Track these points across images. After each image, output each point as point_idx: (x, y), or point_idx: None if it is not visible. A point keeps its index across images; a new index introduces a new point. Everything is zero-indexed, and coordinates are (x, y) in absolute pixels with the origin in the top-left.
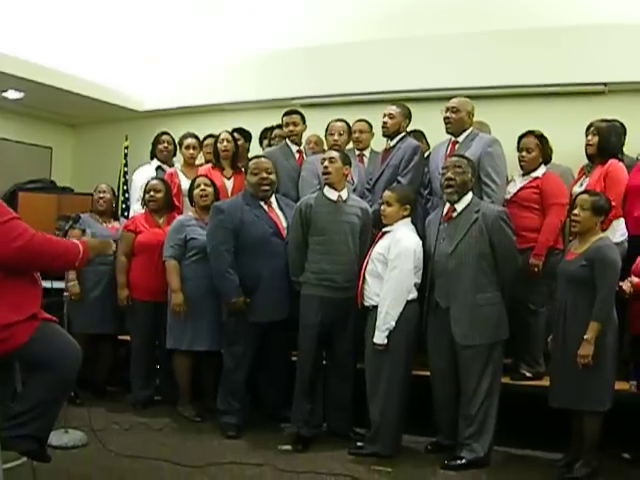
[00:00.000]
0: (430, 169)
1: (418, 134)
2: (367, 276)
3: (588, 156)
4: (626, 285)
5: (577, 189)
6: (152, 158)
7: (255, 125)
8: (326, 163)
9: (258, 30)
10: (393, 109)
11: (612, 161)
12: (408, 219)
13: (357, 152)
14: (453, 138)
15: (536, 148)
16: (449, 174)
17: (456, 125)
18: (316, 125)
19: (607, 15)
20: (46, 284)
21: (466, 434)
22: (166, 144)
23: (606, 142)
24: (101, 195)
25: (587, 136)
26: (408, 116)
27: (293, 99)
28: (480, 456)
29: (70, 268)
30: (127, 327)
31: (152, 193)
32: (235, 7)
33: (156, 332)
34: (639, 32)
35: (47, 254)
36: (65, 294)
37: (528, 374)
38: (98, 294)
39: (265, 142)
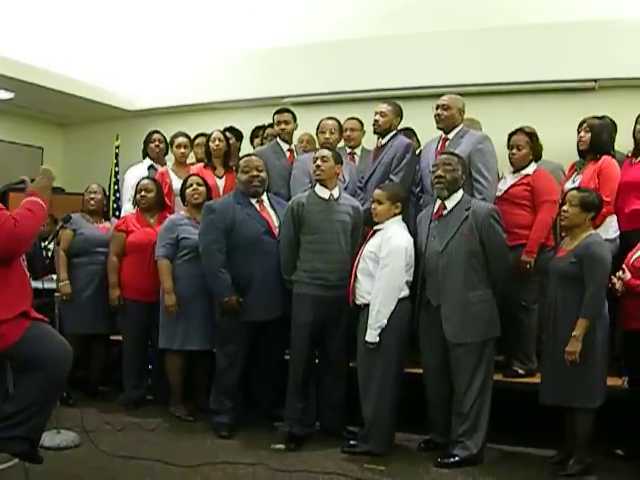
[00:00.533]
0: (421, 166)
1: (409, 132)
2: (358, 274)
3: (580, 152)
4: (618, 284)
5: (569, 185)
6: (144, 157)
7: (246, 124)
8: (318, 162)
9: (249, 29)
10: (384, 107)
11: (605, 157)
12: (399, 217)
13: (348, 150)
14: (444, 135)
15: (526, 145)
16: (439, 171)
17: (447, 122)
18: (308, 123)
19: (597, 12)
20: (37, 284)
21: (459, 432)
22: (157, 143)
23: (598, 138)
24: (92, 195)
25: (579, 132)
26: (399, 114)
27: (284, 97)
28: (473, 453)
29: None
30: (119, 327)
31: (143, 193)
32: (226, 6)
33: (148, 332)
34: (629, 29)
35: (31, 232)
36: (56, 294)
37: (520, 371)
38: (90, 294)
39: (257, 141)
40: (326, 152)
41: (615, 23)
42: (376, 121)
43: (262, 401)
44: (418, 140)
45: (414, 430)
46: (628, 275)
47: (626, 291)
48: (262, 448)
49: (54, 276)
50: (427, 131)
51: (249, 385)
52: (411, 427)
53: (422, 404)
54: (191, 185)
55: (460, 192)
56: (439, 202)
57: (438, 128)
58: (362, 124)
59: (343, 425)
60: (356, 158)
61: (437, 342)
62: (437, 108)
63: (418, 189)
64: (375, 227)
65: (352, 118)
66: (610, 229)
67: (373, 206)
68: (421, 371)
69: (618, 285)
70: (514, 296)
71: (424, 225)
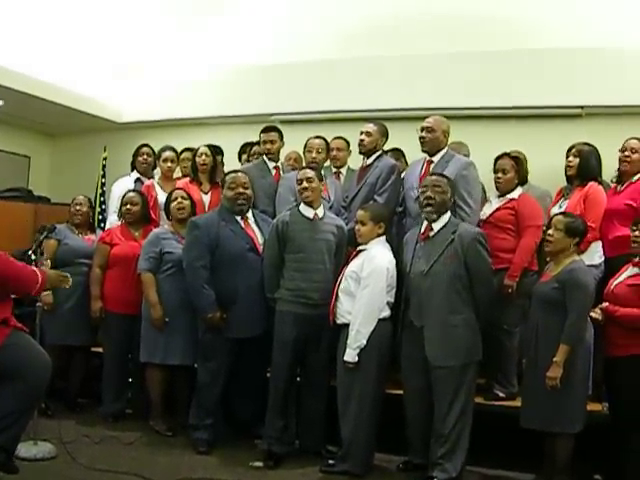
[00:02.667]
0: (404, 188)
1: (398, 152)
2: (340, 294)
3: (567, 177)
4: (596, 313)
5: (555, 210)
6: (132, 170)
7: (233, 140)
8: (305, 184)
9: (238, 46)
10: (370, 127)
11: (592, 183)
12: (383, 237)
13: (334, 169)
14: (428, 157)
15: (512, 169)
16: (428, 193)
17: (431, 144)
18: (295, 141)
19: (585, 40)
20: None
21: (439, 454)
22: (146, 156)
23: (587, 164)
24: (77, 207)
25: (568, 157)
26: (385, 134)
27: (272, 115)
28: (452, 476)
29: (26, 294)
30: (100, 339)
31: (129, 206)
32: (216, 22)
33: (129, 345)
34: (616, 57)
35: (10, 278)
36: (38, 304)
37: (501, 394)
38: (72, 305)
39: (244, 157)
40: (310, 173)
41: (602, 51)
42: (361, 141)
43: (242, 418)
44: (406, 161)
45: (393, 451)
46: (606, 303)
47: (606, 319)
48: (240, 465)
49: None
50: (415, 153)
51: (229, 401)
52: (390, 448)
53: (402, 425)
54: (176, 199)
55: (447, 214)
56: (426, 223)
57: (423, 151)
58: (348, 144)
59: (322, 444)
60: (341, 178)
61: (419, 364)
62: (421, 130)
63: (401, 209)
64: (359, 247)
65: (338, 137)
66: (595, 255)
67: (357, 227)
68: (401, 392)
69: (596, 315)
70: (496, 319)
71: (410, 245)
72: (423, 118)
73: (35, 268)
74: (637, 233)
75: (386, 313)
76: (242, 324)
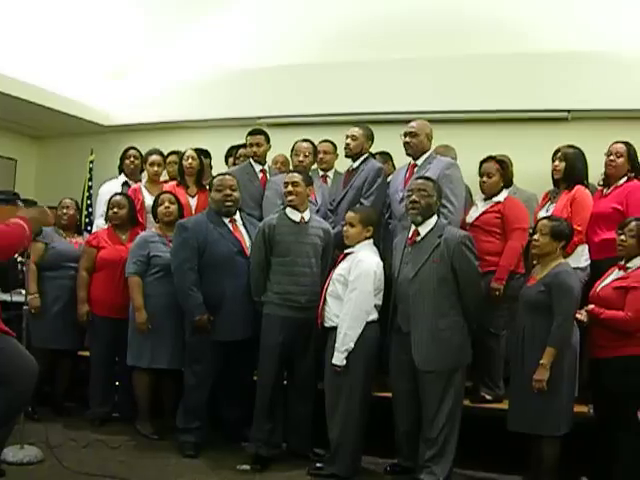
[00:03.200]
0: (390, 192)
1: (385, 156)
2: (328, 297)
3: (554, 181)
4: (582, 316)
5: (542, 214)
6: (120, 173)
7: (221, 143)
8: (290, 187)
9: (225, 48)
10: (356, 131)
11: (578, 187)
12: (370, 240)
13: (321, 173)
14: (412, 161)
15: (497, 173)
16: (414, 196)
17: (415, 148)
18: (282, 144)
19: (571, 43)
20: (5, 297)
21: (426, 457)
22: (133, 159)
23: (572, 167)
24: (64, 210)
25: (554, 161)
26: (371, 138)
27: (259, 118)
28: (440, 479)
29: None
30: (87, 343)
31: (115, 209)
32: (202, 25)
33: (116, 348)
34: (602, 61)
35: (3, 246)
36: (25, 307)
37: (488, 397)
38: (59, 309)
39: (231, 160)
40: (297, 177)
41: (588, 55)
42: (347, 145)
43: (229, 421)
44: (394, 164)
45: (381, 454)
46: (591, 306)
47: (591, 321)
48: (228, 468)
49: (23, 290)
50: (402, 156)
51: (217, 405)
52: (378, 451)
53: (389, 428)
54: (163, 203)
55: (434, 218)
56: (413, 228)
57: (407, 154)
58: (335, 147)
59: (310, 447)
60: (328, 181)
61: (407, 368)
62: (405, 135)
63: (387, 215)
64: (346, 250)
65: (325, 141)
66: (582, 258)
67: (345, 228)
68: (389, 395)
69: (581, 317)
70: (483, 322)
71: (398, 250)
72: (410, 121)
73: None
74: (623, 237)
75: (374, 316)
76: (229, 327)
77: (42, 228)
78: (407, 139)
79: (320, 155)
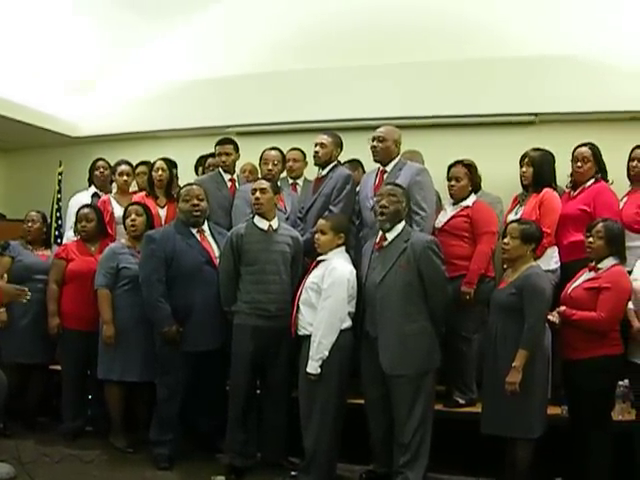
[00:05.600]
0: (359, 198)
1: (355, 163)
2: (301, 305)
3: (523, 186)
4: (553, 317)
5: (511, 217)
6: (90, 185)
7: (190, 153)
8: (257, 194)
9: (192, 58)
10: (324, 138)
11: (546, 190)
12: (342, 248)
13: (290, 181)
14: (381, 167)
15: (465, 177)
16: (383, 202)
17: (383, 154)
18: (252, 153)
19: (537, 48)
20: None
21: (400, 462)
22: (102, 170)
23: (540, 172)
24: (30, 224)
25: (521, 167)
26: (339, 145)
27: (228, 127)
28: None
29: None
30: (58, 356)
31: (84, 223)
32: (169, 35)
33: (87, 361)
34: (569, 64)
35: None
36: None
37: (461, 401)
38: (27, 322)
39: (201, 170)
40: (264, 184)
41: (555, 59)
42: (316, 152)
43: (203, 432)
44: (364, 171)
45: (356, 461)
46: (563, 307)
47: (563, 322)
48: None
49: None
50: (371, 163)
51: (190, 416)
52: (353, 458)
53: (364, 435)
54: (129, 215)
55: (402, 224)
56: (380, 233)
57: (375, 160)
58: (305, 155)
59: (284, 456)
60: (298, 189)
61: (377, 373)
62: (373, 140)
63: (358, 221)
64: (318, 258)
65: (295, 149)
66: (551, 260)
67: (317, 236)
68: (363, 401)
69: (553, 318)
70: (454, 326)
71: (367, 256)
72: (377, 128)
73: None
74: (591, 239)
75: (347, 324)
76: (199, 338)
77: (9, 242)
78: (374, 144)
79: (290, 163)
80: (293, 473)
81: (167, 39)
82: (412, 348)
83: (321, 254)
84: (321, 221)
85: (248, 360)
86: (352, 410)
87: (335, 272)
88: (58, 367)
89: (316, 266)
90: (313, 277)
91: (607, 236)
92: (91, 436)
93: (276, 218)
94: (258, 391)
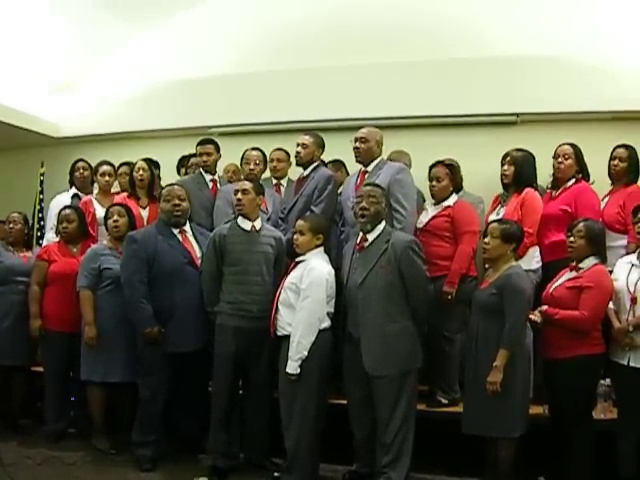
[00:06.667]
0: (342, 199)
1: (338, 163)
2: (280, 306)
3: (504, 185)
4: (535, 316)
5: (493, 218)
6: (70, 186)
7: (172, 153)
8: (239, 195)
9: (174, 58)
10: (306, 139)
11: (528, 190)
12: (321, 248)
13: (274, 181)
14: (363, 168)
15: (446, 177)
16: (363, 203)
17: (365, 155)
18: (233, 154)
19: (519, 48)
20: None
21: (383, 463)
22: (82, 171)
23: (521, 171)
24: (11, 225)
25: (503, 166)
26: (321, 145)
27: (210, 127)
28: None
29: None
30: (40, 358)
31: (65, 224)
32: (151, 35)
33: (70, 363)
34: (551, 65)
35: None
36: None
37: (444, 400)
38: (9, 324)
39: (182, 170)
40: (247, 184)
41: (536, 59)
42: (298, 153)
43: (185, 433)
44: (347, 171)
45: (339, 461)
46: (545, 306)
47: (544, 322)
48: None
49: None
50: (353, 164)
51: (172, 417)
52: (336, 458)
53: (347, 435)
54: (111, 216)
55: (382, 224)
56: (361, 234)
57: (357, 161)
58: (288, 155)
59: (267, 456)
60: (282, 189)
61: (359, 374)
62: (355, 141)
63: (340, 222)
64: (297, 259)
65: (278, 149)
66: (533, 260)
67: (295, 237)
68: (345, 402)
69: (535, 317)
70: (436, 326)
71: (347, 257)
72: (360, 128)
73: None
74: (572, 239)
75: (326, 324)
76: (181, 338)
77: None
78: (357, 144)
79: (274, 163)
80: (276, 474)
81: (149, 39)
82: (394, 348)
83: (300, 255)
84: (300, 222)
85: (230, 361)
86: (335, 410)
87: (313, 272)
88: (40, 369)
89: (295, 267)
90: (292, 278)
91: (588, 236)
92: (74, 438)
93: (259, 219)
94: (241, 392)
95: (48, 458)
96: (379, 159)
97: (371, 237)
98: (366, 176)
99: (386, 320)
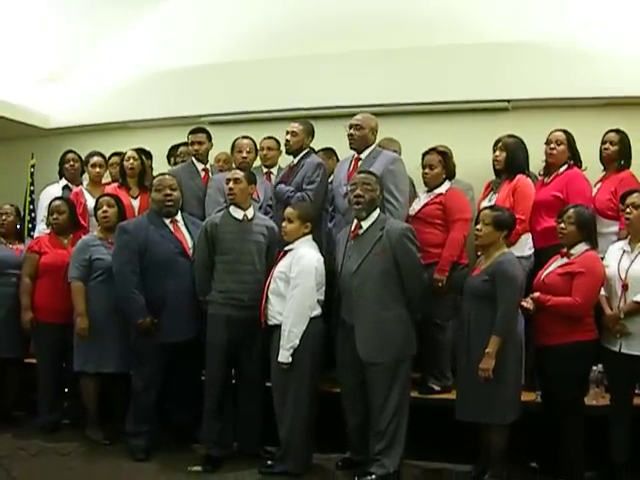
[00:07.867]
0: (333, 186)
1: (329, 151)
2: (270, 295)
3: (496, 171)
4: (527, 303)
5: (485, 204)
6: (60, 177)
7: (163, 143)
8: (231, 184)
9: (164, 47)
10: (295, 126)
11: (520, 176)
12: (309, 236)
13: (265, 170)
14: (356, 154)
15: (439, 164)
16: (358, 191)
17: (359, 142)
18: (225, 142)
19: (510, 34)
20: None
21: (376, 450)
22: (72, 162)
23: (513, 157)
24: (3, 217)
25: (495, 152)
26: (311, 133)
27: (201, 117)
28: (390, 472)
29: None
30: (33, 350)
31: (55, 215)
32: (140, 24)
33: (63, 354)
34: (541, 51)
35: None
36: None
37: (436, 387)
38: (1, 317)
39: (173, 160)
40: (238, 174)
41: (528, 45)
42: (287, 141)
43: (179, 423)
44: (338, 159)
45: (332, 449)
46: (537, 293)
47: (536, 308)
48: (179, 470)
49: None
50: (346, 151)
51: (166, 407)
52: (329, 446)
53: (340, 423)
54: (101, 207)
55: (377, 211)
56: (355, 222)
57: (351, 148)
58: (279, 143)
59: (261, 445)
60: (272, 177)
61: (353, 361)
62: (350, 127)
63: (331, 208)
64: (285, 247)
65: (269, 137)
66: (525, 247)
67: (283, 224)
68: (338, 390)
69: (527, 304)
70: (428, 314)
71: (341, 244)
72: (351, 116)
73: None
74: (562, 225)
75: (317, 311)
76: (173, 328)
77: None
78: (351, 131)
79: (264, 152)
80: (269, 462)
81: (138, 28)
82: (389, 336)
83: (288, 243)
84: (288, 209)
85: (223, 350)
86: (328, 399)
87: (302, 260)
88: (33, 361)
89: (284, 256)
90: (281, 266)
91: (578, 221)
92: (68, 429)
93: (251, 208)
94: (234, 381)
95: (42, 449)
96: (373, 146)
97: (366, 224)
98: (359, 163)
99: (381, 308)
